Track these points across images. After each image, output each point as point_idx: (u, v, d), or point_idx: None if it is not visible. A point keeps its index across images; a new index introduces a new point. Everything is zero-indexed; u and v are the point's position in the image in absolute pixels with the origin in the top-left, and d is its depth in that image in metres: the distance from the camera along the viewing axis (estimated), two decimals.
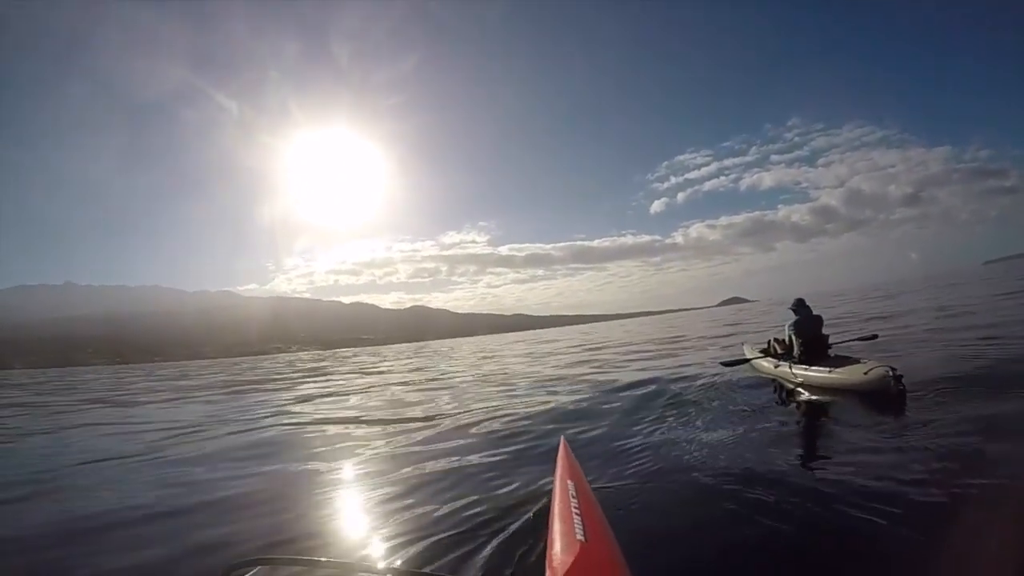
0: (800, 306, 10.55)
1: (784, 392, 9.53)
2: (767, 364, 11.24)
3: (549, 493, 4.21)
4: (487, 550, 4.12)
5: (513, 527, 4.50)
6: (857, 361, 9.23)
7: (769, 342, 12.07)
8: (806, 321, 10.40)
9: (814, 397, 8.92)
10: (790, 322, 10.50)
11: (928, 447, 5.56)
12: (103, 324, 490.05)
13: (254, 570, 2.27)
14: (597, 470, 5.88)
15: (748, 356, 12.17)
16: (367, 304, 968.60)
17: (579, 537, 2.82)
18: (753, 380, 10.84)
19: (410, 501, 5.58)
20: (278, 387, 24.35)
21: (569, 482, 3.75)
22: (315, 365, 46.90)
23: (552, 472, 4.51)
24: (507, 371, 21.35)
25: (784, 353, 11.07)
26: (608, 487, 5.33)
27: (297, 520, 5.34)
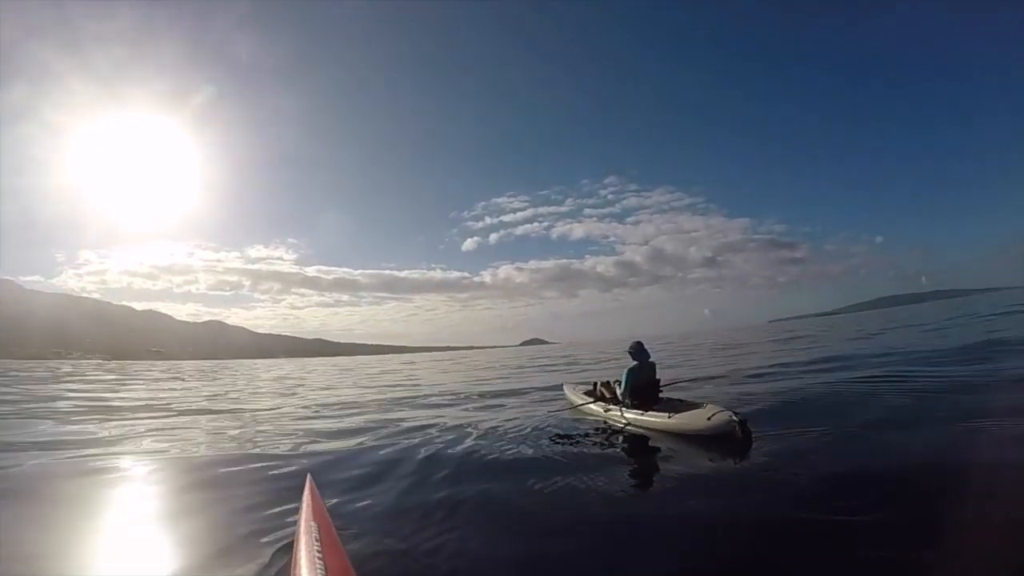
0: (639, 351, 10.21)
1: (618, 437, 9.05)
2: (596, 408, 10.80)
3: (292, 535, 3.89)
4: None
5: (254, 570, 4.20)
6: (696, 405, 9.08)
7: (595, 384, 11.71)
8: (643, 366, 10.13)
9: (648, 440, 8.66)
10: (629, 367, 10.10)
11: (783, 488, 5.79)
12: None
13: None
14: (352, 515, 5.54)
15: (576, 400, 11.72)
16: (161, 313, 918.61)
17: None
18: (578, 425, 10.28)
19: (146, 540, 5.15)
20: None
21: (313, 523, 3.52)
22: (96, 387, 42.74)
23: (296, 512, 4.15)
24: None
25: (613, 397, 10.80)
26: (357, 529, 5.04)
27: None
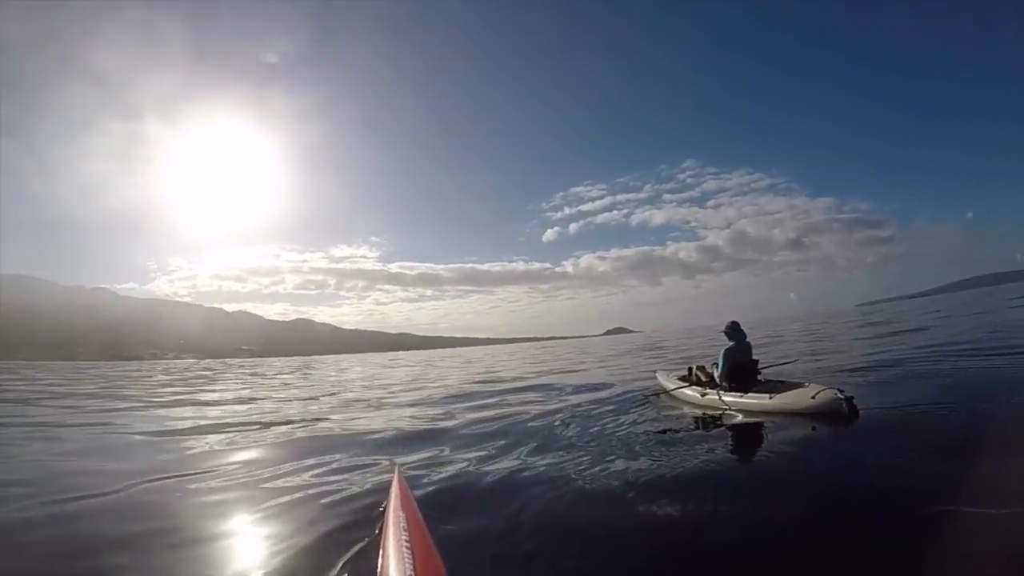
0: (735, 331, 9.86)
1: (716, 422, 8.66)
2: (692, 393, 10.42)
3: (381, 525, 4.06)
4: None
5: (342, 563, 4.01)
6: (797, 385, 8.83)
7: (690, 369, 11.34)
8: (740, 347, 9.76)
9: (752, 422, 8.31)
10: (725, 348, 9.77)
11: (896, 467, 5.52)
12: None
13: None
14: (440, 505, 5.31)
15: (669, 385, 11.35)
16: (251, 313, 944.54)
17: (408, 571, 2.75)
18: (674, 411, 9.93)
19: (240, 530, 5.07)
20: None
21: (401, 513, 3.68)
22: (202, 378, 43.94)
23: (385, 503, 4.39)
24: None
25: (709, 381, 10.41)
26: (445, 519, 4.79)
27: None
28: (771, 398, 8.51)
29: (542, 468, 6.59)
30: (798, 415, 7.95)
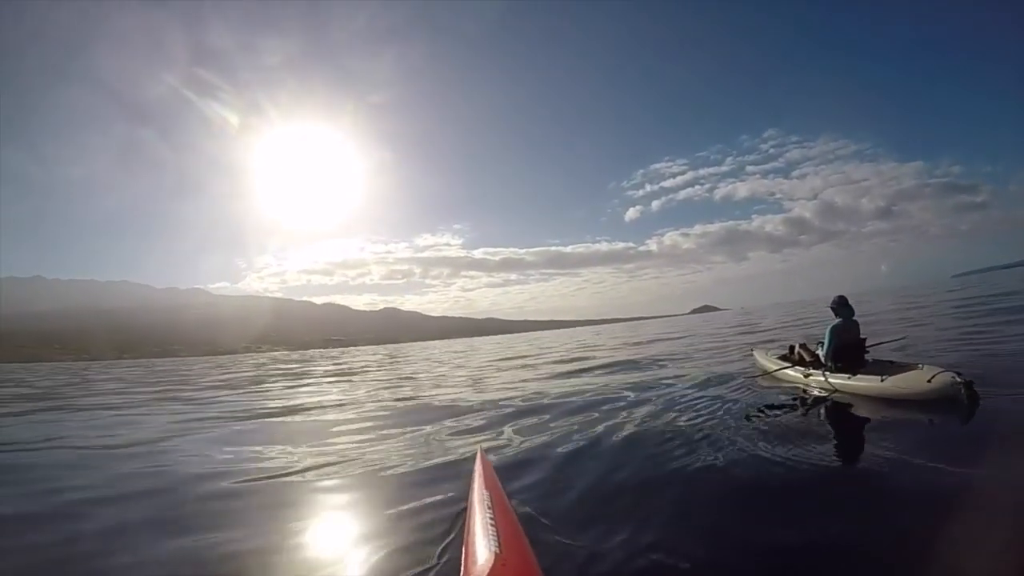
0: (842, 306, 9.03)
1: (821, 407, 7.96)
2: (794, 374, 9.73)
3: (465, 504, 4.12)
4: (403, 562, 3.91)
5: (429, 538, 4.24)
6: (909, 367, 7.93)
7: (792, 348, 10.63)
8: (847, 324, 8.98)
9: (861, 409, 7.51)
10: (831, 325, 8.99)
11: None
12: (72, 319, 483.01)
13: None
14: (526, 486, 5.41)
15: (769, 366, 10.64)
16: (339, 305, 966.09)
17: (494, 549, 2.77)
18: (774, 393, 9.21)
19: (319, 506, 5.52)
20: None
21: (486, 492, 3.75)
22: (297, 368, 45.10)
23: (469, 483, 4.41)
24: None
25: (814, 360, 9.59)
26: (529, 500, 4.92)
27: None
28: (882, 381, 7.72)
29: (631, 452, 6.38)
30: (912, 401, 7.23)
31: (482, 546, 2.88)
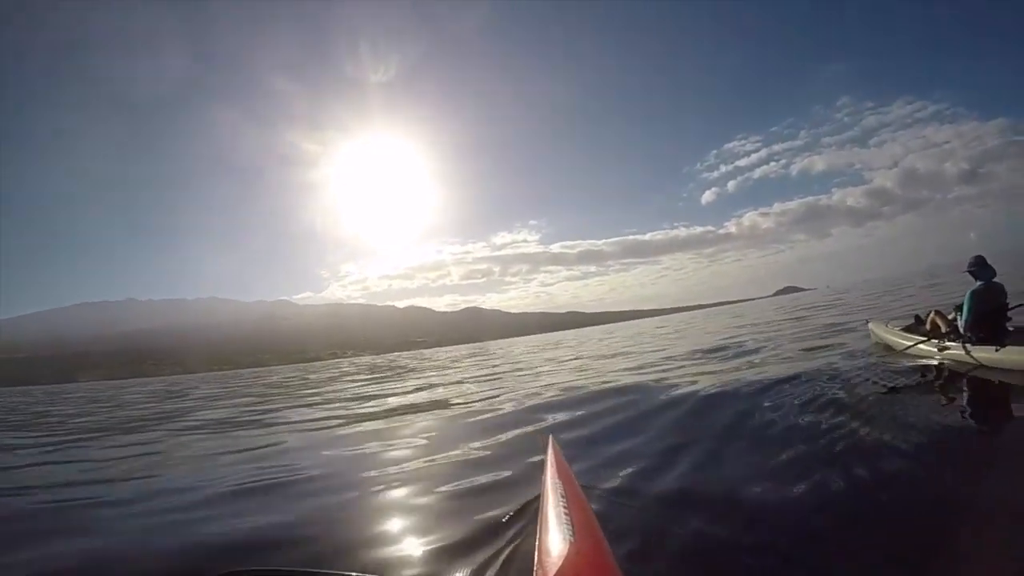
0: (982, 267, 7.87)
1: (964, 385, 6.89)
2: (926, 348, 8.47)
3: (539, 493, 4.02)
4: (478, 550, 3.90)
5: (504, 526, 4.25)
6: None
7: (918, 318, 9.44)
8: (990, 288, 7.76)
9: (1015, 389, 6.33)
10: (971, 289, 7.77)
11: None
12: (164, 336, 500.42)
13: None
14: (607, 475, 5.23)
15: (891, 339, 9.45)
16: (421, 307, 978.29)
17: (568, 537, 2.73)
18: (898, 370, 7.97)
19: (405, 496, 5.49)
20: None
21: (558, 481, 3.70)
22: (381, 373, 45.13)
23: (541, 472, 4.36)
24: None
25: (950, 332, 8.23)
26: (601, 488, 4.83)
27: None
28: None
29: (729, 448, 5.71)
30: None
31: (556, 534, 2.84)
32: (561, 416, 8.79)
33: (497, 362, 30.03)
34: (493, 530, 4.19)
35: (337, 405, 16.49)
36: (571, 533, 2.77)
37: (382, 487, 5.87)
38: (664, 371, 12.99)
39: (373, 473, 6.54)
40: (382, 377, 30.63)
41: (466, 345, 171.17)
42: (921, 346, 8.62)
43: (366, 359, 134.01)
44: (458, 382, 20.01)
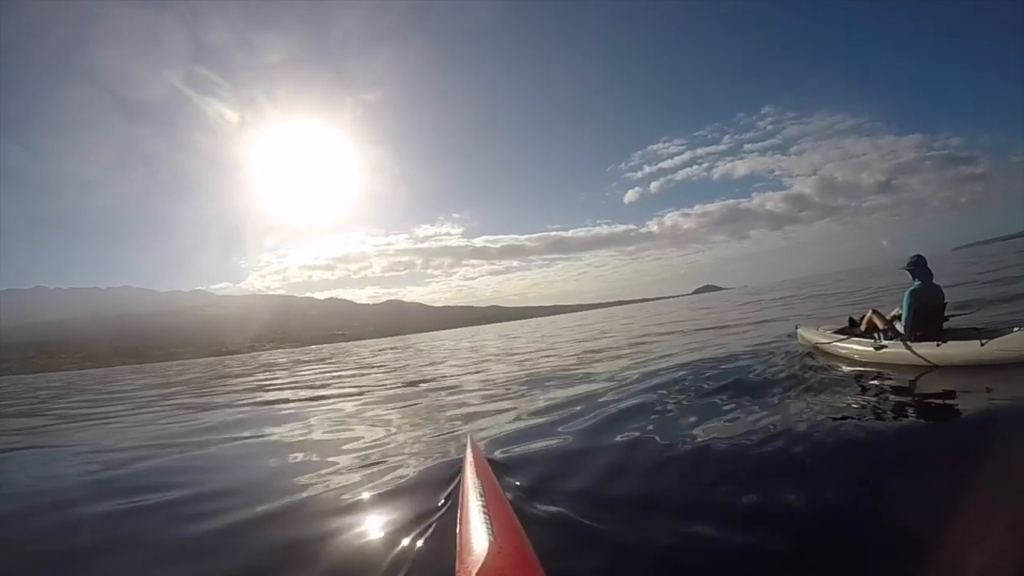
0: (919, 267, 7.79)
1: (908, 386, 6.58)
2: (861, 348, 8.29)
3: (458, 493, 4.06)
4: (395, 550, 3.78)
5: (422, 527, 4.08)
6: (1005, 331, 6.72)
7: (851, 320, 9.27)
8: (928, 288, 7.70)
9: (958, 383, 6.20)
10: (909, 288, 7.68)
11: None
12: (74, 328, 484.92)
13: None
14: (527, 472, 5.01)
15: (822, 340, 9.26)
16: (342, 300, 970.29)
17: (489, 537, 2.76)
18: (832, 372, 7.81)
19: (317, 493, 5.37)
20: None
21: (478, 480, 3.75)
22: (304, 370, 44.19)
23: (460, 471, 4.39)
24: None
25: (887, 330, 8.11)
26: (522, 487, 4.62)
27: None
28: (982, 345, 6.52)
29: (641, 447, 5.46)
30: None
31: (477, 534, 2.87)
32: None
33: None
34: (409, 531, 4.05)
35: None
36: (491, 532, 2.82)
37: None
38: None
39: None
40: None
41: (389, 339, 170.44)
42: (855, 346, 8.47)
43: (285, 352, 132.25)
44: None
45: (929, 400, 5.94)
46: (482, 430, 7.23)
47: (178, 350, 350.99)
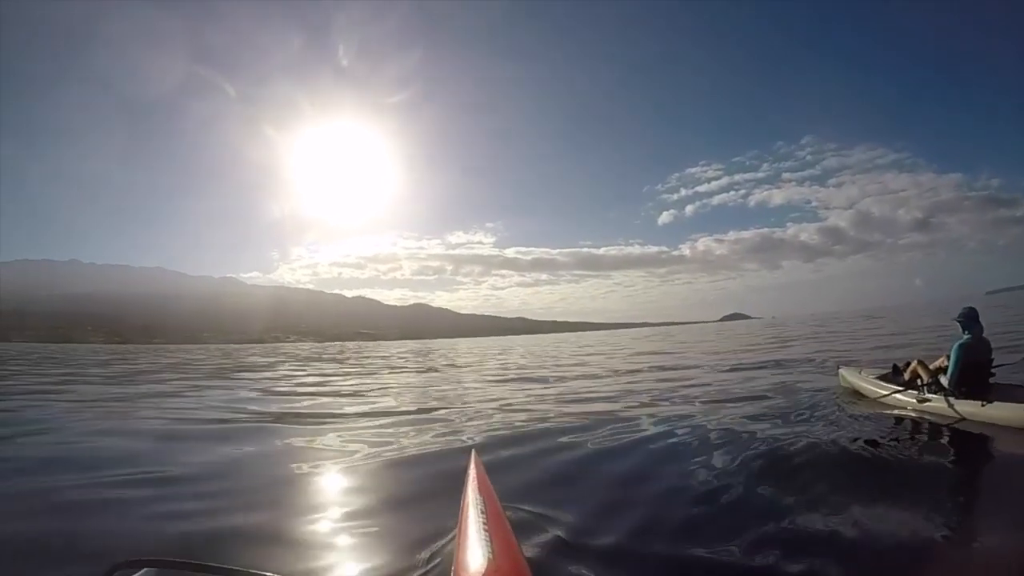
0: (971, 320, 7.47)
1: (943, 438, 6.46)
2: (904, 398, 8.01)
3: (459, 509, 3.71)
4: (395, 565, 3.87)
5: (421, 541, 4.19)
6: None
7: (896, 367, 9.02)
8: (978, 341, 7.37)
9: (998, 446, 5.97)
10: (959, 341, 7.37)
11: None
12: (104, 303, 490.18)
13: (141, 571, 2.30)
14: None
15: (864, 386, 9.00)
16: (369, 299, 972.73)
17: (487, 554, 2.71)
18: (871, 421, 7.49)
19: (322, 504, 5.37)
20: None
21: (480, 497, 3.59)
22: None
23: (462, 487, 4.06)
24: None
25: (932, 383, 7.76)
26: (523, 506, 4.78)
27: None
28: None
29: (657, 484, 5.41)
30: None
31: (475, 551, 2.81)
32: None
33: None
34: (409, 545, 4.15)
35: None
36: (490, 550, 2.76)
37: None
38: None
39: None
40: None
41: (414, 342, 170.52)
42: (898, 396, 8.18)
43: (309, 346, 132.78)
44: None
45: (962, 460, 5.81)
46: (503, 450, 7.09)
47: (202, 334, 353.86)
